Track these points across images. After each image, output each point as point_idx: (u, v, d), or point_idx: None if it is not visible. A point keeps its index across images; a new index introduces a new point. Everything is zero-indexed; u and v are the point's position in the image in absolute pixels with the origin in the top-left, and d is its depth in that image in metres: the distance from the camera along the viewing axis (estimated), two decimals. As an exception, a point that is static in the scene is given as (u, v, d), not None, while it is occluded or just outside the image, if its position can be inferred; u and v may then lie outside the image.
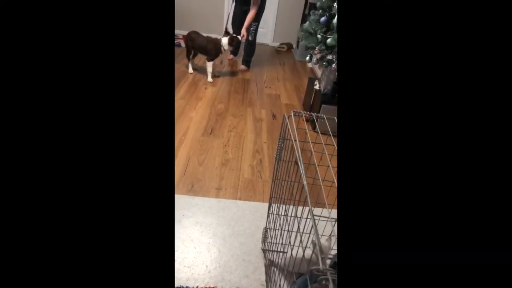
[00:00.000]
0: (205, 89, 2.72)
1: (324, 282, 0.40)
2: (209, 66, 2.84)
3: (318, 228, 1.20)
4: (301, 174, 0.65)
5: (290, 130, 0.83)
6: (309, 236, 1.03)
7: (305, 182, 0.60)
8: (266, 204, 1.48)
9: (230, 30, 3.05)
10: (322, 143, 0.78)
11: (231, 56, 3.58)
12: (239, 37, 2.85)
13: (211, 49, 2.77)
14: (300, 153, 0.69)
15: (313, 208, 0.59)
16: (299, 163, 0.66)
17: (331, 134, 0.85)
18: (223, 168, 1.72)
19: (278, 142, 0.93)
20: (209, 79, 2.89)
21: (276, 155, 0.97)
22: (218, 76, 3.03)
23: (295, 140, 0.76)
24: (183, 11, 4.14)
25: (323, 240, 1.07)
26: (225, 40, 2.76)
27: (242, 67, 3.38)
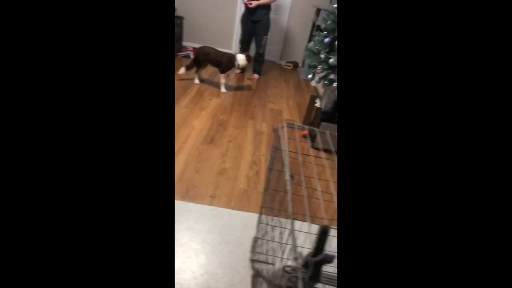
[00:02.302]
0: (210, 100, 2.78)
1: (294, 280, 0.42)
2: (222, 77, 3.07)
3: (307, 241, 1.19)
4: (286, 182, 0.67)
5: (281, 141, 0.86)
6: (290, 248, 1.03)
7: (289, 193, 0.62)
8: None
9: (236, 47, 3.28)
10: (321, 157, 0.81)
11: (256, 76, 3.79)
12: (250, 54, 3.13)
13: (226, 63, 3.01)
14: (288, 162, 0.72)
15: (293, 218, 0.61)
16: (286, 171, 0.69)
17: (321, 149, 0.88)
18: (220, 177, 1.74)
19: (271, 152, 0.96)
20: (223, 89, 3.08)
21: (269, 164, 0.99)
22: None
23: (285, 150, 0.79)
24: (193, 24, 4.30)
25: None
26: (241, 57, 3.01)
27: (255, 75, 3.76)
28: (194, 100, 2.71)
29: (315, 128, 0.95)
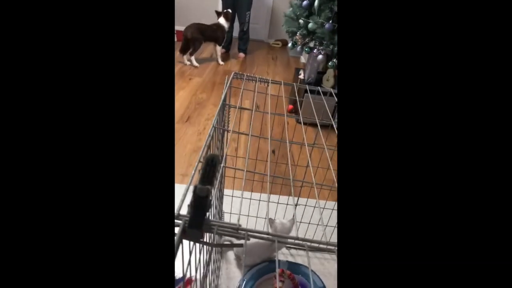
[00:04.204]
0: (190, 79, 2.65)
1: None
2: (219, 50, 3.14)
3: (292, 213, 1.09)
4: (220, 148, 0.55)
5: (226, 91, 0.74)
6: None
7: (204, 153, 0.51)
8: (232, 191, 1.38)
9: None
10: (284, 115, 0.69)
11: (242, 55, 3.61)
12: (229, 10, 3.11)
13: (221, 34, 3.04)
14: (224, 114, 0.60)
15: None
16: (213, 123, 0.57)
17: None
18: (194, 155, 1.63)
19: (220, 107, 0.84)
20: (221, 61, 3.17)
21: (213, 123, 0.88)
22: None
23: (225, 101, 0.67)
24: (176, 7, 4.10)
25: (285, 220, 0.99)
26: (223, 21, 3.04)
27: (241, 54, 3.60)
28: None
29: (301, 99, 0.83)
